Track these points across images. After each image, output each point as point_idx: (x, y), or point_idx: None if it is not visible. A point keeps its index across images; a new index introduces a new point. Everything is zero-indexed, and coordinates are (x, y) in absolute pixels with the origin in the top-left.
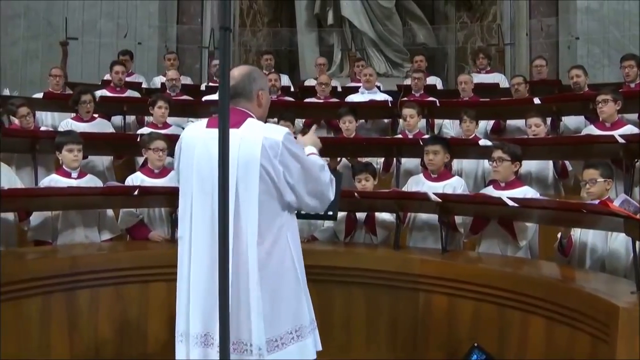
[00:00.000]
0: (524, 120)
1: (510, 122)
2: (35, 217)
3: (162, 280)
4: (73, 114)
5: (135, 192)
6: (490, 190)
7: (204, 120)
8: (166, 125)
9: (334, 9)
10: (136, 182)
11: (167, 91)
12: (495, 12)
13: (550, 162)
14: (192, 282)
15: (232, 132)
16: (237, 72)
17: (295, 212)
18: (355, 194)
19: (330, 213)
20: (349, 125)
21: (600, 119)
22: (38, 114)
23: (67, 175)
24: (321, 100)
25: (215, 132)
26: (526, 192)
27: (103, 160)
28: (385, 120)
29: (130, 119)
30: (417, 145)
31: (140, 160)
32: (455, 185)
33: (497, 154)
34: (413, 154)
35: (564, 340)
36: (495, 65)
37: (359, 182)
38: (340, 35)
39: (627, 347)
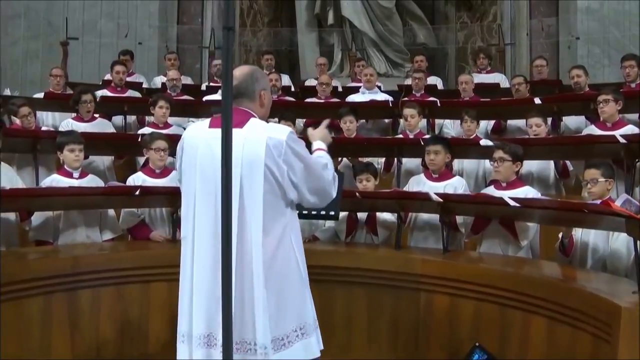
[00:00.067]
0: (524, 120)
1: (511, 122)
2: (37, 217)
3: (163, 280)
4: (74, 114)
5: (137, 192)
6: (491, 190)
7: (206, 121)
8: (167, 125)
9: (334, 9)
10: (137, 182)
11: (168, 91)
12: (496, 12)
13: (552, 162)
14: (195, 282)
15: (236, 132)
16: (239, 72)
17: (297, 212)
18: (357, 193)
19: (332, 213)
20: (349, 125)
21: (601, 119)
22: (39, 114)
23: (69, 175)
24: (322, 100)
25: (218, 132)
26: (527, 192)
27: (104, 160)
28: (386, 120)
29: (131, 119)
30: (418, 145)
31: (141, 160)
32: (456, 185)
33: (498, 154)
34: (414, 154)
35: (566, 340)
36: (495, 65)
37: (360, 183)
38: (341, 35)
39: (629, 347)
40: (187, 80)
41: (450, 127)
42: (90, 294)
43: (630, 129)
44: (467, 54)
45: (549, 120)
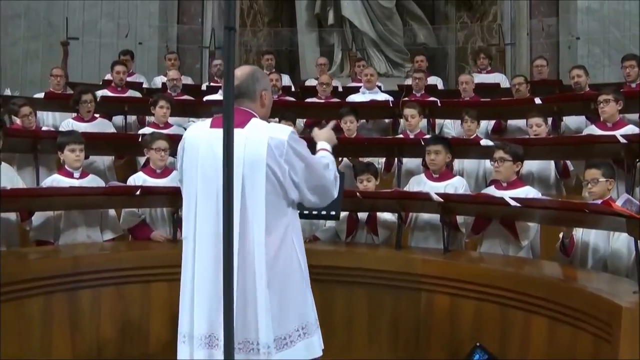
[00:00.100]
0: (524, 120)
1: (511, 122)
2: (37, 217)
3: (163, 280)
4: (74, 114)
5: (137, 192)
6: (492, 190)
7: (207, 121)
8: (167, 125)
9: (335, 9)
10: (138, 182)
11: (168, 91)
12: (496, 12)
13: (552, 162)
14: (196, 282)
15: (237, 132)
16: (240, 73)
17: (298, 212)
18: (357, 193)
19: (333, 213)
20: (350, 125)
21: (602, 118)
22: (39, 114)
23: (69, 175)
24: (322, 100)
25: (219, 132)
26: (528, 192)
27: (104, 160)
28: (386, 120)
29: (132, 119)
30: (419, 145)
31: (142, 160)
32: (456, 185)
33: (499, 154)
34: (414, 154)
35: (566, 340)
36: (495, 65)
37: (360, 183)
38: (341, 35)
39: (630, 347)
40: (187, 80)
41: (451, 127)
42: (91, 294)
43: (630, 129)
44: (467, 54)
45: (549, 120)
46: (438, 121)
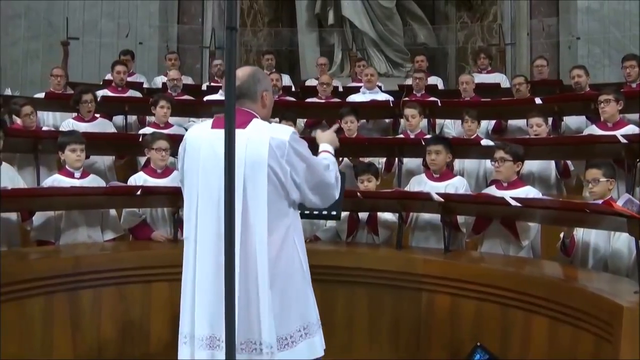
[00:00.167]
0: (525, 120)
1: (512, 122)
2: (38, 217)
3: (164, 280)
4: (74, 114)
5: (138, 192)
6: (492, 190)
7: (208, 121)
8: (168, 125)
9: (335, 9)
10: (139, 182)
11: (169, 91)
12: (496, 12)
13: (553, 162)
14: (197, 283)
15: (239, 132)
16: (241, 73)
17: (299, 212)
18: (358, 193)
19: (334, 213)
20: (350, 125)
21: (602, 118)
22: (39, 113)
23: (70, 175)
24: (322, 100)
25: (221, 132)
26: (528, 192)
27: (104, 160)
28: (387, 120)
29: (132, 119)
30: (419, 145)
31: (142, 160)
32: (457, 185)
33: (499, 154)
34: (415, 154)
35: (567, 340)
36: (496, 65)
37: (361, 183)
38: (341, 35)
39: (631, 347)
40: (187, 80)
41: (451, 127)
42: (92, 294)
43: (631, 129)
44: (467, 54)
45: (550, 120)
46: (438, 121)
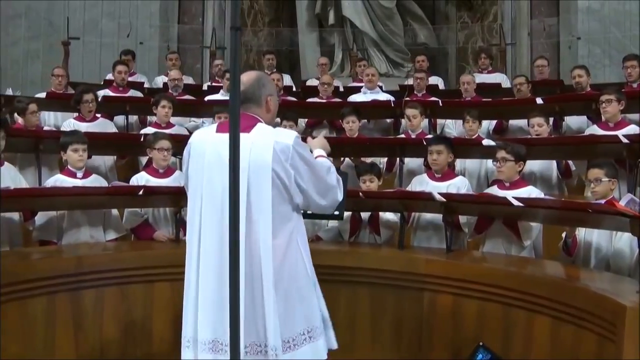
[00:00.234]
0: (526, 120)
1: (513, 122)
2: (40, 217)
3: (166, 280)
4: (75, 114)
5: (140, 192)
6: (495, 190)
7: (213, 126)
8: (169, 125)
9: (335, 9)
10: (141, 182)
11: (170, 91)
12: (496, 12)
13: (554, 162)
14: (200, 287)
15: (243, 136)
16: (246, 78)
17: (302, 212)
18: (360, 193)
19: (337, 213)
20: (352, 125)
21: (604, 118)
22: (41, 113)
23: (72, 175)
24: (324, 100)
25: (225, 136)
26: (531, 191)
27: (105, 160)
28: (388, 120)
29: (133, 118)
30: (420, 145)
31: (143, 160)
32: (459, 185)
33: (501, 154)
34: (416, 153)
35: (570, 339)
36: (496, 66)
37: (363, 183)
38: (341, 35)
39: (634, 346)
40: (188, 80)
41: (452, 127)
42: (94, 294)
43: (632, 129)
44: (467, 54)
45: (551, 120)
46: (439, 121)
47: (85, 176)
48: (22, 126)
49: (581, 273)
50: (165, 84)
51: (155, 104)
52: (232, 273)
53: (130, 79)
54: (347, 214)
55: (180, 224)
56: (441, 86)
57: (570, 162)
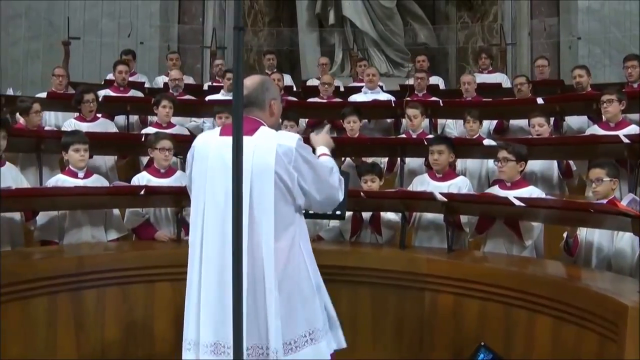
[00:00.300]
0: (526, 120)
1: (513, 122)
2: (42, 217)
3: (168, 280)
4: (76, 114)
5: (142, 192)
6: (496, 190)
7: (217, 129)
8: (170, 125)
9: (335, 9)
10: (142, 181)
11: (170, 91)
12: (496, 12)
13: (555, 162)
14: (202, 290)
15: (246, 140)
16: (249, 82)
17: (304, 212)
18: (362, 193)
19: (339, 213)
20: (353, 125)
21: (604, 118)
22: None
23: (74, 175)
24: (324, 100)
25: (228, 139)
26: (532, 191)
27: (106, 160)
28: (388, 120)
29: (134, 118)
30: (421, 145)
31: (144, 160)
32: (460, 185)
33: (502, 154)
34: (417, 153)
35: (571, 339)
36: (496, 66)
37: (365, 183)
38: (342, 35)
39: (636, 346)
40: (188, 80)
41: (453, 127)
42: (95, 294)
43: (633, 129)
44: (467, 54)
45: (552, 120)
46: (440, 121)
47: (86, 176)
48: (24, 126)
49: (582, 273)
50: (165, 84)
51: (156, 104)
52: (235, 276)
53: (130, 79)
54: (348, 213)
55: (181, 224)
56: (442, 86)
57: (571, 162)
